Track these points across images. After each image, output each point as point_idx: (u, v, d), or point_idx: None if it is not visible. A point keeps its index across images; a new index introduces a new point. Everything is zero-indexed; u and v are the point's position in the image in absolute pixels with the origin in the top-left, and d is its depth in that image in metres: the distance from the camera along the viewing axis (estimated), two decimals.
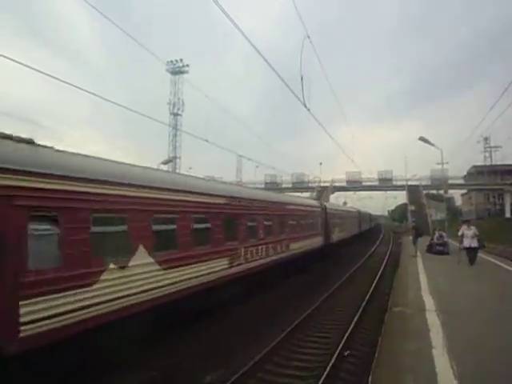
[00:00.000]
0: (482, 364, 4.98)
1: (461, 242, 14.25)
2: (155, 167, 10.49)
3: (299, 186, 65.48)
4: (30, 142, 5.36)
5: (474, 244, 13.89)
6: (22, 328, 4.54)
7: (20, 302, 4.53)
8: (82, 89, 9.41)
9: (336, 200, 60.85)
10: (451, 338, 6.03)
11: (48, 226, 5.01)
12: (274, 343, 6.98)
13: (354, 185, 64.20)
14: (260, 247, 11.55)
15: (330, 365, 5.89)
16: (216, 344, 7.21)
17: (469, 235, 13.84)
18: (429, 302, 8.69)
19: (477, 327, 6.67)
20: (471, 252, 13.96)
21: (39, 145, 5.47)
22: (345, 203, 61.24)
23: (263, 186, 60.76)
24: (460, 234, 14.34)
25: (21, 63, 7.62)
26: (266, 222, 12.25)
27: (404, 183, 59.57)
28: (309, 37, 11.93)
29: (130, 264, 6.26)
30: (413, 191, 55.48)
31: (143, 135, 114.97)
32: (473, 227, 14.17)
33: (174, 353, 6.79)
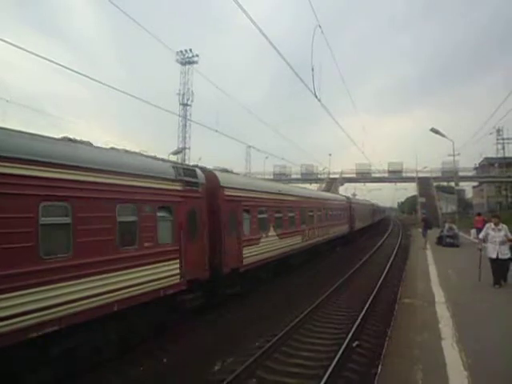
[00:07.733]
0: (491, 355, 5.45)
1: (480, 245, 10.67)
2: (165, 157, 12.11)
3: (308, 177, 71.19)
4: (228, 171, 11.93)
5: (505, 254, 9.88)
6: (243, 260, 11.14)
7: (243, 249, 11.12)
8: (90, 77, 11.00)
9: (345, 192, 64.46)
10: (460, 329, 6.60)
11: (247, 215, 11.60)
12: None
13: (364, 176, 69.23)
14: (314, 230, 18.31)
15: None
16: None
17: (497, 239, 9.96)
18: (438, 294, 9.51)
19: (486, 319, 7.27)
20: (498, 265, 9.99)
21: (232, 172, 12.06)
22: (354, 195, 66.56)
23: (272, 177, 65.76)
24: (482, 236, 10.49)
25: (27, 50, 8.34)
26: (317, 213, 19.01)
27: (414, 175, 63.05)
28: (320, 26, 12.68)
29: (269, 234, 12.95)
30: (423, 183, 59.67)
31: (151, 125, 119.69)
32: (504, 226, 10.13)
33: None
